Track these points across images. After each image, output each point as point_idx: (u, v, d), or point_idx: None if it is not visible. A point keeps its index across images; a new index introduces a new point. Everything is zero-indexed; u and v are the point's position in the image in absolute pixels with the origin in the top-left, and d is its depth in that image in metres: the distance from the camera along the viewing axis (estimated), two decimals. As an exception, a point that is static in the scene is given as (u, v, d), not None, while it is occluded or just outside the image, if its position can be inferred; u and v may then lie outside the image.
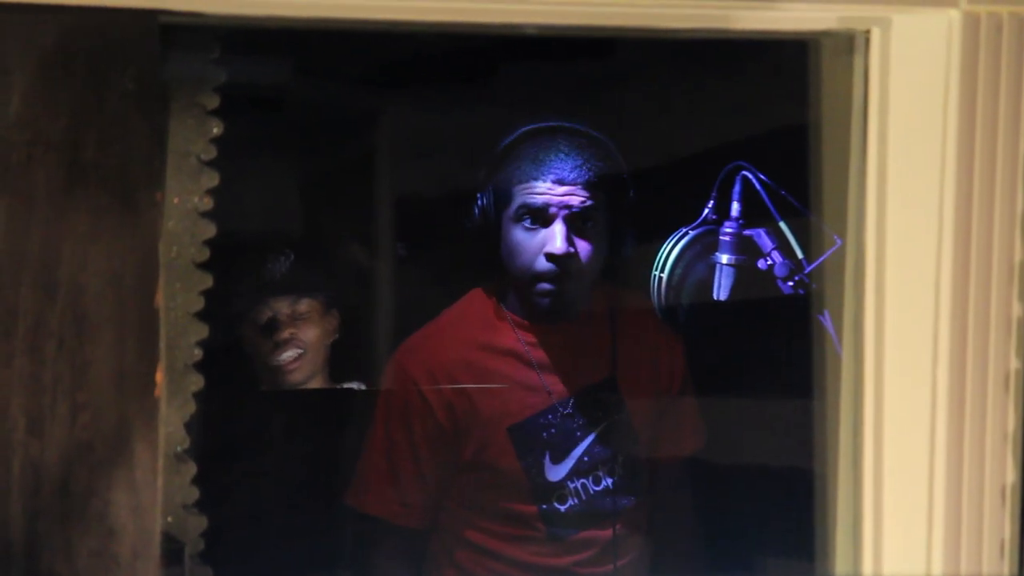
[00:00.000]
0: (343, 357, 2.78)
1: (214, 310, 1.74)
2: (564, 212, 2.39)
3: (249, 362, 2.72)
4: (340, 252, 2.95)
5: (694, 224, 2.46)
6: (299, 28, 1.70)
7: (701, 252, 2.45)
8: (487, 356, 2.48)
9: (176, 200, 1.70)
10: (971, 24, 1.74)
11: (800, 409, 2.00)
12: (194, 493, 1.73)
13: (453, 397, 2.45)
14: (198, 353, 1.73)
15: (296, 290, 2.70)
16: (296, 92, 2.84)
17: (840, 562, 1.83)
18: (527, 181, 2.40)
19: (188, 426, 1.72)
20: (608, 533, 2.50)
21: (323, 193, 3.00)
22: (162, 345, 1.65)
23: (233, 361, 2.68)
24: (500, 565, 2.49)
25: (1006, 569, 1.78)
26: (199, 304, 1.72)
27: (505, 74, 2.81)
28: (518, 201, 2.41)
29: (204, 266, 1.73)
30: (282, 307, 2.69)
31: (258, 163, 2.70)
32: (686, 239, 2.46)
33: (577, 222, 2.40)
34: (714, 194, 2.44)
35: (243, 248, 2.62)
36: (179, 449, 1.71)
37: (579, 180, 2.39)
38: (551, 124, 2.45)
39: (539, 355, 2.48)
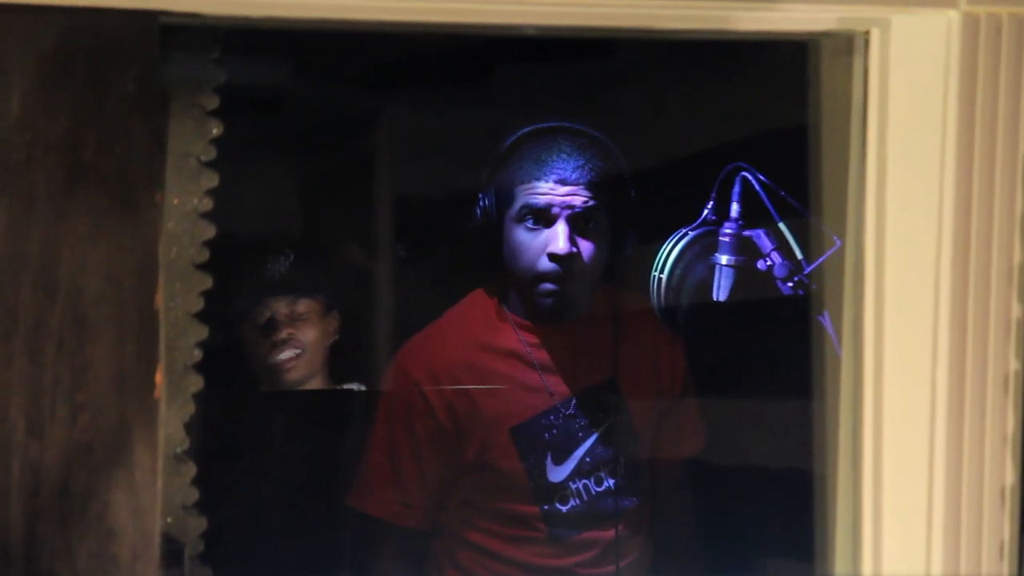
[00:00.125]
0: (343, 358, 2.78)
1: (214, 311, 1.74)
2: (566, 212, 2.39)
3: (248, 362, 2.72)
4: (339, 253, 2.95)
5: (693, 225, 2.46)
6: (298, 29, 1.70)
7: (700, 253, 2.45)
8: (489, 357, 2.48)
9: (176, 201, 1.70)
10: (970, 25, 1.74)
11: (799, 410, 2.00)
12: (194, 494, 1.73)
13: (455, 398, 2.45)
14: (198, 354, 1.73)
15: (295, 290, 2.70)
16: (296, 93, 2.84)
17: (840, 563, 1.83)
18: (529, 181, 2.40)
19: (188, 427, 1.72)
20: (610, 534, 2.50)
21: (322, 194, 3.00)
22: (162, 346, 1.65)
23: (233, 362, 2.69)
24: (502, 566, 2.49)
25: (1005, 570, 1.78)
26: (199, 305, 1.72)
27: (504, 75, 2.81)
28: (520, 201, 2.41)
29: (204, 267, 1.73)
30: (281, 307, 2.69)
31: (258, 164, 2.70)
32: (685, 240, 2.46)
33: (579, 222, 2.40)
34: (713, 195, 2.44)
35: (243, 249, 2.62)
36: (179, 450, 1.71)
37: (581, 180, 2.39)
38: (553, 124, 2.45)
39: (541, 356, 2.48)
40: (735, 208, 2.40)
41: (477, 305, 2.53)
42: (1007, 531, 1.78)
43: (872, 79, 1.76)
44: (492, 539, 2.49)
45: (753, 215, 2.38)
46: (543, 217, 2.40)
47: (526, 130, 2.45)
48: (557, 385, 2.49)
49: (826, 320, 1.93)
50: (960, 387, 1.77)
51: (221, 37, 1.72)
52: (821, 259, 2.00)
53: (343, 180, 3.03)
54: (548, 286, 2.41)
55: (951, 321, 1.76)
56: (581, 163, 2.40)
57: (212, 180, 1.72)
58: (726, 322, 2.50)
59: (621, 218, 2.45)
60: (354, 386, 2.79)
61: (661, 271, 2.46)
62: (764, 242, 2.37)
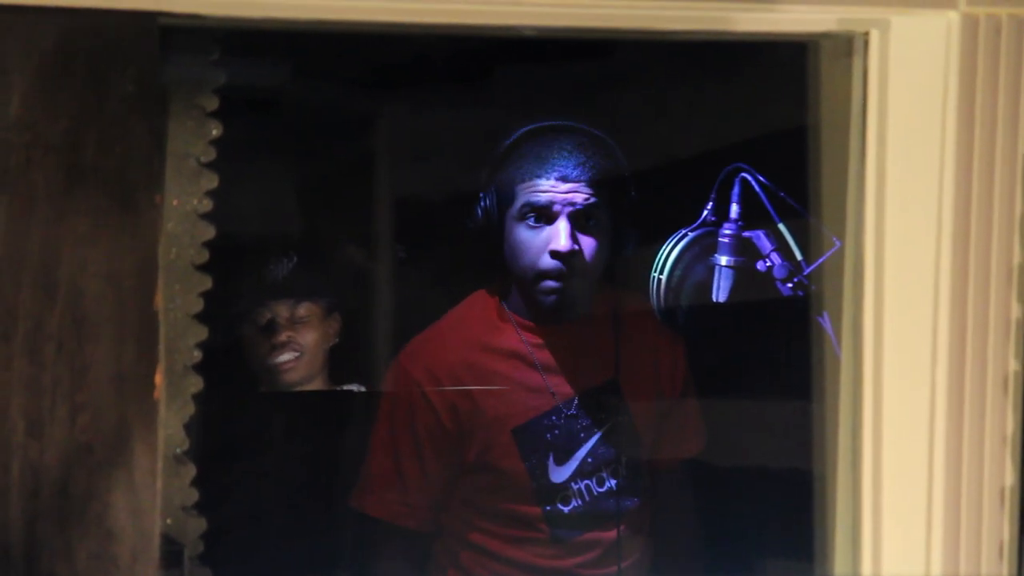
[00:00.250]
0: (343, 359, 2.78)
1: (213, 312, 1.74)
2: (568, 209, 2.39)
3: (248, 363, 2.72)
4: (338, 254, 2.95)
5: (693, 226, 2.46)
6: (298, 30, 1.70)
7: (700, 254, 2.45)
8: (490, 357, 2.49)
9: (175, 202, 1.70)
10: (970, 26, 1.74)
11: (799, 410, 2.00)
12: (193, 495, 1.73)
13: (456, 398, 2.45)
14: (197, 355, 1.72)
15: (297, 293, 2.70)
16: (295, 94, 2.84)
17: (839, 563, 1.83)
18: (530, 179, 2.41)
19: (187, 428, 1.72)
20: (611, 534, 2.50)
21: (322, 195, 3.00)
22: (161, 347, 1.65)
23: (232, 363, 2.69)
24: (503, 567, 2.49)
25: (1005, 571, 1.78)
26: (198, 306, 1.72)
27: (503, 76, 2.82)
28: (522, 200, 2.41)
29: (203, 268, 1.73)
30: (282, 310, 2.70)
31: (257, 165, 2.70)
32: (685, 241, 2.46)
33: (581, 220, 2.40)
34: (713, 196, 2.44)
35: (242, 250, 2.62)
36: (178, 451, 1.71)
37: (582, 178, 2.39)
38: (553, 123, 2.46)
39: (542, 356, 2.49)
40: (735, 209, 2.40)
41: (478, 306, 2.53)
42: (1006, 532, 1.78)
43: (871, 80, 1.76)
44: (493, 540, 2.49)
45: (753, 216, 2.38)
46: (545, 215, 2.40)
47: (527, 129, 2.46)
48: (559, 385, 2.49)
49: (825, 321, 1.93)
50: (960, 388, 1.77)
51: (221, 38, 1.72)
52: (820, 260, 2.00)
53: (342, 181, 3.03)
54: (550, 284, 2.41)
55: (950, 322, 1.76)
56: (582, 160, 2.40)
57: (212, 181, 1.72)
58: (726, 323, 2.50)
59: (622, 217, 2.46)
60: (354, 387, 2.79)
61: (661, 272, 2.46)
62: (764, 243, 2.38)
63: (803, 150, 1.91)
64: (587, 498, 2.50)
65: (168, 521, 1.70)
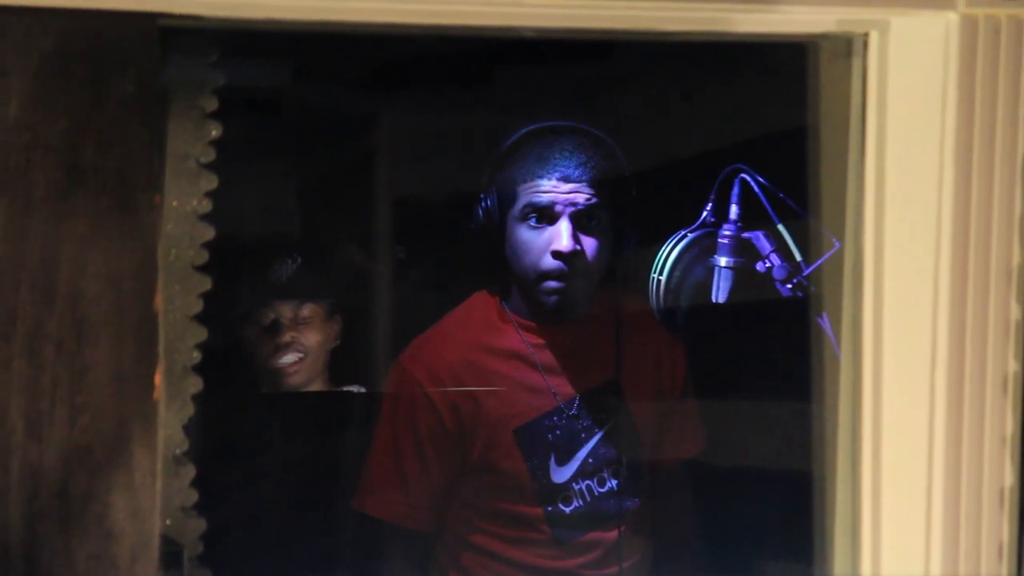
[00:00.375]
0: (343, 361, 2.78)
1: (213, 312, 1.74)
2: (570, 210, 2.39)
3: (249, 364, 2.72)
4: (338, 255, 2.95)
5: (692, 227, 2.46)
6: (297, 31, 1.70)
7: (699, 255, 2.45)
8: (491, 358, 2.49)
9: (175, 203, 1.70)
10: (969, 27, 1.74)
11: (798, 411, 2.00)
12: (193, 496, 1.72)
13: (458, 399, 2.46)
14: (197, 356, 1.72)
15: (301, 294, 2.71)
16: (294, 95, 2.84)
17: (838, 564, 1.83)
18: (532, 180, 2.41)
19: (187, 429, 1.72)
20: (612, 535, 2.50)
21: (322, 196, 3.00)
22: (161, 348, 1.65)
23: (232, 364, 2.69)
24: (505, 568, 2.49)
25: (1004, 571, 1.77)
26: (198, 307, 1.72)
27: (503, 77, 2.82)
28: (523, 200, 2.42)
29: (203, 269, 1.73)
30: (285, 311, 2.70)
31: (257, 166, 2.70)
32: (684, 242, 2.46)
33: (582, 220, 2.41)
34: (712, 197, 2.44)
35: (242, 251, 2.62)
36: (178, 452, 1.71)
37: (584, 178, 2.40)
38: (554, 123, 2.46)
39: (543, 357, 2.49)
40: (734, 210, 2.40)
41: (478, 306, 2.53)
42: (1006, 532, 1.78)
43: (871, 81, 1.76)
44: (495, 540, 2.49)
45: (752, 217, 2.38)
46: (546, 215, 2.41)
47: (527, 129, 2.46)
48: (560, 386, 2.49)
49: (825, 322, 1.93)
50: (959, 388, 1.77)
51: (220, 39, 1.72)
52: (820, 261, 2.00)
53: (342, 182, 3.03)
54: (552, 284, 2.42)
55: (950, 322, 1.76)
56: (583, 161, 2.41)
57: (211, 182, 1.72)
58: (725, 324, 2.50)
59: (622, 217, 2.46)
60: (354, 388, 2.79)
61: (660, 273, 2.47)
62: (763, 244, 2.38)
63: (802, 151, 1.91)
64: (588, 498, 2.50)
65: (168, 522, 1.70)
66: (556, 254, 2.40)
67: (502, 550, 2.49)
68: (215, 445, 2.06)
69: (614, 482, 2.51)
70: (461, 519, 2.51)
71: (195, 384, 1.72)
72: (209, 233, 1.73)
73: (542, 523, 2.48)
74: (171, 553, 1.70)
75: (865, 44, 1.76)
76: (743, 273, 2.39)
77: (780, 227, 2.36)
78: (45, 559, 1.61)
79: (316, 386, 2.74)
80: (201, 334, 1.72)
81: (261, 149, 2.72)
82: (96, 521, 1.62)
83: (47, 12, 1.59)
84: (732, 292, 2.40)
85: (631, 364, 2.53)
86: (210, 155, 1.73)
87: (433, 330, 2.54)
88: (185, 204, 1.71)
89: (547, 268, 2.41)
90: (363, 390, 2.78)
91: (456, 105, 2.90)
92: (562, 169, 2.40)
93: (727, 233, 2.41)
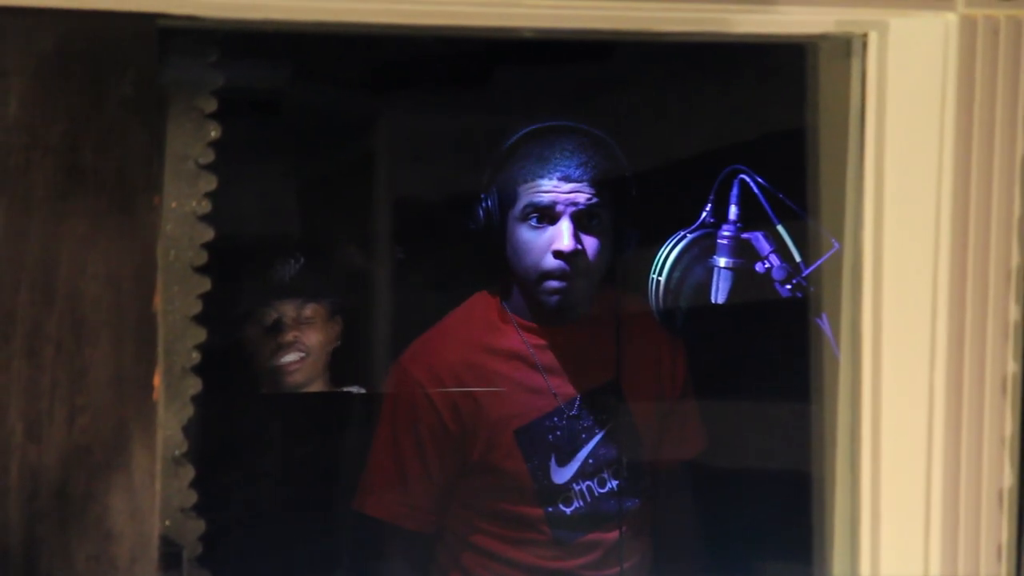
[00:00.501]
0: (343, 362, 2.78)
1: (213, 313, 1.74)
2: (571, 209, 2.40)
3: (249, 363, 2.72)
4: (338, 256, 2.95)
5: (692, 227, 2.46)
6: (297, 32, 1.70)
7: (699, 255, 2.45)
8: (491, 358, 2.49)
9: (174, 204, 1.70)
10: (968, 27, 1.74)
11: (798, 412, 2.00)
12: (192, 497, 1.72)
13: (458, 399, 2.46)
14: (196, 357, 1.72)
15: (304, 294, 2.71)
16: (294, 96, 2.84)
17: (838, 564, 1.83)
18: (533, 180, 2.41)
19: (186, 430, 1.72)
20: (613, 535, 2.50)
21: (321, 196, 3.00)
22: (160, 349, 1.65)
23: (232, 365, 2.69)
24: (505, 568, 2.49)
25: (1003, 572, 1.77)
26: (197, 308, 1.72)
27: (502, 77, 2.82)
28: (524, 200, 2.42)
29: (202, 270, 1.73)
30: (288, 310, 2.70)
31: (256, 167, 2.70)
32: (684, 242, 2.46)
33: (583, 219, 2.41)
34: (712, 197, 2.44)
35: (241, 252, 2.63)
36: (177, 453, 1.71)
37: (584, 178, 2.40)
38: (554, 123, 2.46)
39: (543, 357, 2.49)
40: (733, 211, 2.40)
41: (479, 307, 2.54)
42: (1005, 533, 1.78)
43: (870, 82, 1.76)
44: (496, 541, 2.49)
45: (751, 218, 2.38)
46: (547, 215, 2.41)
47: (528, 129, 2.46)
48: (560, 386, 2.49)
49: (824, 322, 1.93)
50: (958, 389, 1.77)
51: (219, 40, 1.72)
52: (819, 261, 2.00)
53: (342, 183, 3.03)
54: (554, 284, 2.42)
55: (949, 323, 1.76)
56: (584, 160, 2.41)
57: (210, 183, 1.72)
58: (724, 324, 2.50)
59: (623, 217, 2.46)
60: (353, 389, 2.79)
61: (659, 273, 2.47)
62: (762, 244, 2.38)
63: (801, 152, 1.91)
64: (588, 499, 2.50)
65: (167, 523, 1.70)
66: (557, 254, 2.40)
67: (502, 551, 2.49)
68: (214, 446, 2.06)
69: (614, 483, 2.51)
70: (461, 519, 2.51)
71: (194, 385, 1.72)
72: (208, 234, 1.73)
73: (542, 524, 2.48)
74: (170, 554, 1.70)
75: (864, 45, 1.76)
76: (742, 274, 2.39)
77: (779, 228, 2.36)
78: (44, 560, 1.61)
79: (316, 387, 2.74)
80: (200, 335, 1.72)
81: (260, 150, 2.72)
82: (95, 522, 1.62)
83: (46, 13, 1.59)
84: (731, 293, 2.40)
85: (631, 365, 2.54)
86: (209, 156, 1.73)
87: (434, 331, 2.54)
88: (184, 205, 1.71)
89: (548, 268, 2.41)
90: (363, 391, 2.79)
91: (456, 105, 2.91)
92: (563, 169, 2.40)
93: (726, 234, 2.41)
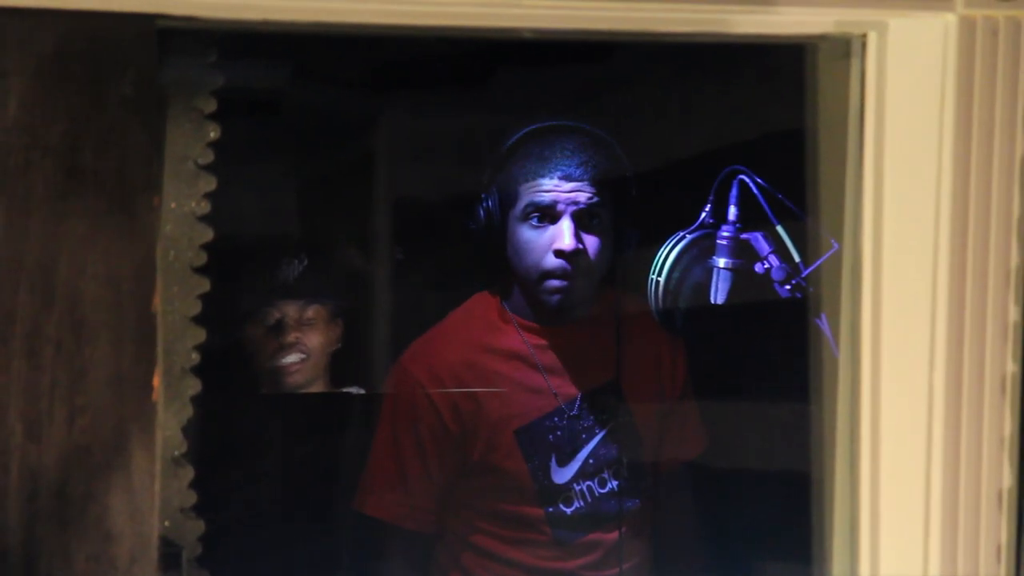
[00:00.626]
0: (343, 362, 2.78)
1: (212, 314, 1.74)
2: (572, 208, 2.40)
3: (249, 363, 2.72)
4: (337, 256, 2.96)
5: (691, 228, 2.46)
6: (296, 32, 1.70)
7: (698, 256, 2.45)
8: (491, 358, 2.49)
9: (173, 204, 1.70)
10: (967, 28, 1.74)
11: (797, 412, 2.00)
12: (192, 497, 1.72)
13: (459, 399, 2.46)
14: (195, 357, 1.72)
15: (308, 295, 2.71)
16: (293, 96, 2.84)
17: (837, 565, 1.83)
18: (534, 179, 2.41)
19: (185, 430, 1.72)
20: (613, 536, 2.50)
21: (321, 197, 3.00)
22: (159, 349, 1.65)
23: (231, 365, 2.69)
24: (505, 568, 2.49)
25: (1002, 573, 1.78)
26: (196, 308, 1.72)
27: (503, 77, 2.82)
28: (525, 200, 2.42)
29: (201, 270, 1.73)
30: (291, 311, 2.70)
31: (256, 167, 2.70)
32: (683, 243, 2.46)
33: (584, 218, 2.41)
34: (711, 198, 2.44)
35: (241, 252, 2.63)
36: (176, 453, 1.71)
37: (585, 177, 2.40)
38: (555, 123, 2.46)
39: (544, 357, 2.49)
40: (732, 211, 2.40)
41: (479, 307, 2.54)
42: (1004, 534, 1.78)
43: (869, 82, 1.76)
44: (496, 542, 2.49)
45: (751, 218, 2.38)
46: (548, 214, 2.41)
47: (528, 129, 2.46)
48: (561, 386, 2.49)
49: (823, 323, 1.93)
50: (957, 390, 1.77)
51: (218, 40, 1.72)
52: (818, 262, 2.00)
53: (342, 183, 3.03)
54: (555, 283, 2.42)
55: (948, 324, 1.76)
56: (584, 160, 2.41)
57: (210, 183, 1.72)
58: (724, 325, 2.50)
59: (623, 216, 2.46)
60: (353, 390, 2.79)
61: (659, 274, 2.46)
62: (761, 245, 2.37)
63: (801, 152, 1.91)
64: (589, 499, 2.50)
65: (166, 523, 1.70)
66: (559, 253, 2.40)
67: (502, 551, 2.49)
68: (214, 447, 2.06)
69: (615, 483, 2.51)
70: (462, 519, 2.51)
71: (194, 386, 1.72)
72: (208, 234, 1.73)
73: (543, 524, 2.48)
74: (170, 554, 1.70)
75: (863, 45, 1.76)
76: (742, 274, 2.39)
77: (779, 228, 2.35)
78: (44, 560, 1.61)
79: (316, 388, 2.74)
80: (200, 335, 1.72)
81: (260, 150, 2.72)
82: (95, 522, 1.62)
83: (46, 13, 1.60)
84: (731, 293, 2.40)
85: (631, 365, 2.54)
86: (209, 156, 1.73)
87: (434, 331, 2.54)
88: (184, 205, 1.71)
89: (550, 267, 2.41)
90: (362, 391, 2.79)
91: (456, 105, 2.91)
92: (564, 168, 2.40)
93: (726, 234, 2.40)
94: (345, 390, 2.78)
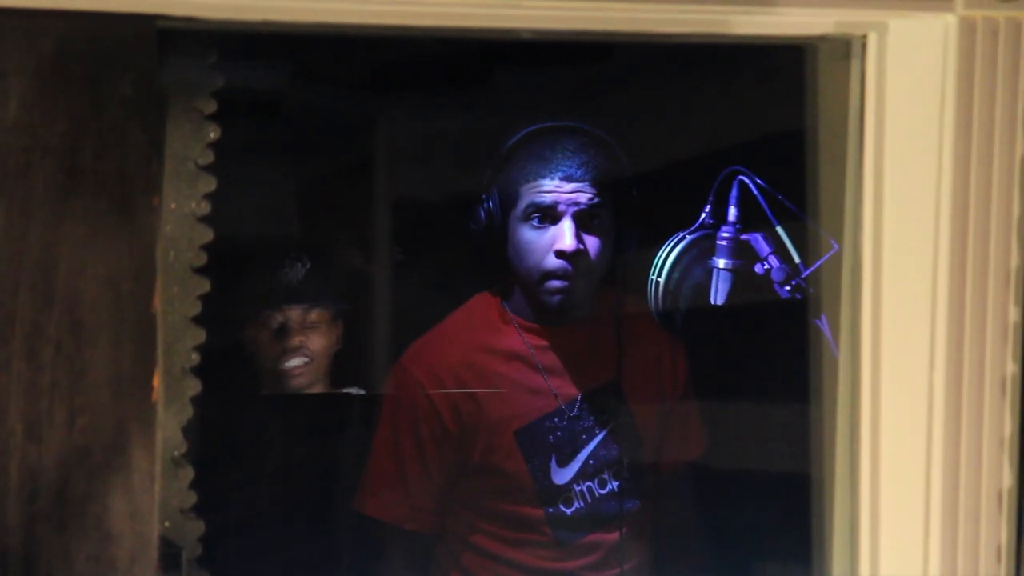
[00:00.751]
0: (344, 363, 2.78)
1: (212, 315, 1.74)
2: (572, 209, 2.40)
3: (251, 364, 2.72)
4: (338, 257, 2.95)
5: (691, 229, 2.46)
6: (296, 33, 1.70)
7: (698, 257, 2.45)
8: (492, 359, 2.49)
9: (173, 205, 1.70)
10: (967, 29, 1.74)
11: (797, 413, 2.00)
12: (191, 498, 1.73)
13: (459, 400, 2.46)
14: (195, 358, 1.72)
15: (311, 299, 2.71)
16: (293, 96, 2.84)
17: (837, 565, 1.83)
18: (534, 180, 2.41)
19: (185, 431, 1.72)
20: (613, 536, 2.50)
21: (321, 198, 3.00)
22: (159, 350, 1.65)
23: (231, 366, 2.69)
24: (506, 569, 2.49)
25: (1002, 573, 1.78)
26: (196, 309, 1.72)
27: (502, 78, 2.82)
28: (526, 200, 2.42)
29: (201, 271, 1.73)
30: (295, 314, 2.70)
31: (255, 168, 2.70)
32: (683, 244, 2.46)
33: (585, 219, 2.41)
34: (711, 199, 2.44)
35: (240, 253, 2.62)
36: (176, 454, 1.71)
37: (586, 177, 2.40)
38: (555, 123, 2.46)
39: (544, 358, 2.49)
40: (732, 212, 2.40)
41: (479, 308, 2.54)
42: (1004, 534, 1.78)
43: (869, 83, 1.76)
44: (496, 542, 2.49)
45: (750, 219, 2.38)
46: (549, 215, 2.41)
47: (529, 129, 2.46)
48: (561, 387, 2.49)
49: (823, 323, 1.93)
50: (957, 390, 1.77)
51: (218, 41, 1.72)
52: (818, 263, 2.00)
53: (342, 184, 3.03)
54: (556, 283, 2.42)
55: (948, 324, 1.76)
56: (585, 160, 2.41)
57: (209, 184, 1.72)
58: (723, 326, 2.50)
59: (623, 217, 2.46)
60: (353, 390, 2.79)
61: (658, 275, 2.46)
62: (761, 246, 2.37)
63: (801, 153, 1.91)
64: (589, 500, 2.50)
65: (166, 524, 1.70)
66: (560, 253, 2.40)
67: (503, 551, 2.49)
68: (214, 447, 2.06)
69: (615, 483, 2.51)
70: (462, 520, 2.51)
71: (194, 386, 1.72)
72: (208, 235, 1.73)
73: (543, 524, 2.48)
74: (170, 555, 1.70)
75: (863, 46, 1.76)
76: (741, 275, 2.39)
77: (779, 229, 2.35)
78: (44, 560, 1.61)
79: (318, 389, 2.74)
80: (200, 336, 1.73)
81: (260, 151, 2.72)
82: (95, 523, 1.62)
83: (46, 14, 1.60)
84: (730, 294, 2.40)
85: (632, 365, 2.54)
86: (208, 157, 1.73)
87: (434, 331, 2.54)
88: (183, 206, 1.71)
89: (551, 268, 2.41)
90: (362, 392, 2.79)
91: (456, 106, 2.91)
92: (564, 169, 2.40)
93: (725, 235, 2.40)
94: (345, 391, 2.78)
